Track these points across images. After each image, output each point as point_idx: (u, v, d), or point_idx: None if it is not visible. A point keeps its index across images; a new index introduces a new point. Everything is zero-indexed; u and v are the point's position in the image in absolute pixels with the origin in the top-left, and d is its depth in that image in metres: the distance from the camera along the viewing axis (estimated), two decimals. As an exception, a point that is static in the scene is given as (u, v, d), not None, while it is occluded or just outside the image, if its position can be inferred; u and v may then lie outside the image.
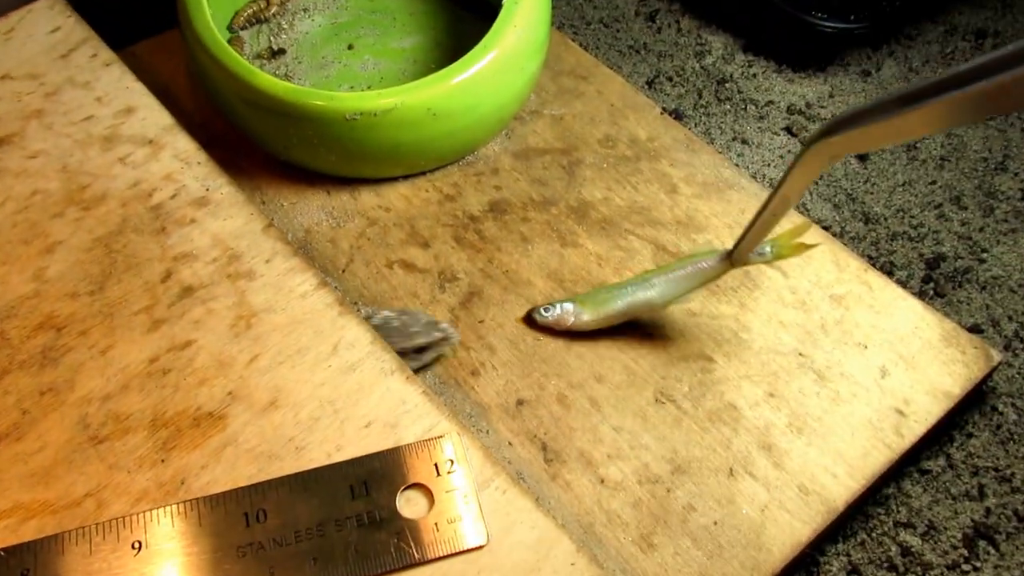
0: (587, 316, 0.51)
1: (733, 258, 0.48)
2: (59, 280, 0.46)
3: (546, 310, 0.51)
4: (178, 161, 0.51)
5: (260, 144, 0.58)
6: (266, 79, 0.52)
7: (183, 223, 0.48)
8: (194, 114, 0.62)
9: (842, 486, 0.46)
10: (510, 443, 0.48)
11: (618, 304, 0.50)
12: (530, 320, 0.52)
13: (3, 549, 0.38)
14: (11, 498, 0.39)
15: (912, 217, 0.62)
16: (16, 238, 0.48)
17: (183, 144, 0.52)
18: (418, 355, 0.49)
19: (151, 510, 0.39)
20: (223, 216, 0.49)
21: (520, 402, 0.49)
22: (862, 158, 0.65)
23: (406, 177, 0.58)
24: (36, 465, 0.41)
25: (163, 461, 0.41)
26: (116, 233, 0.48)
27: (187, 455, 0.41)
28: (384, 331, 0.48)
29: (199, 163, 0.51)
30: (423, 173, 0.58)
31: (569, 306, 0.51)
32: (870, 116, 0.34)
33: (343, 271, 0.54)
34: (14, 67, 0.55)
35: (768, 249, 0.48)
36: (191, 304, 0.46)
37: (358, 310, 0.49)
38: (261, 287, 0.46)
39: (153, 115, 0.53)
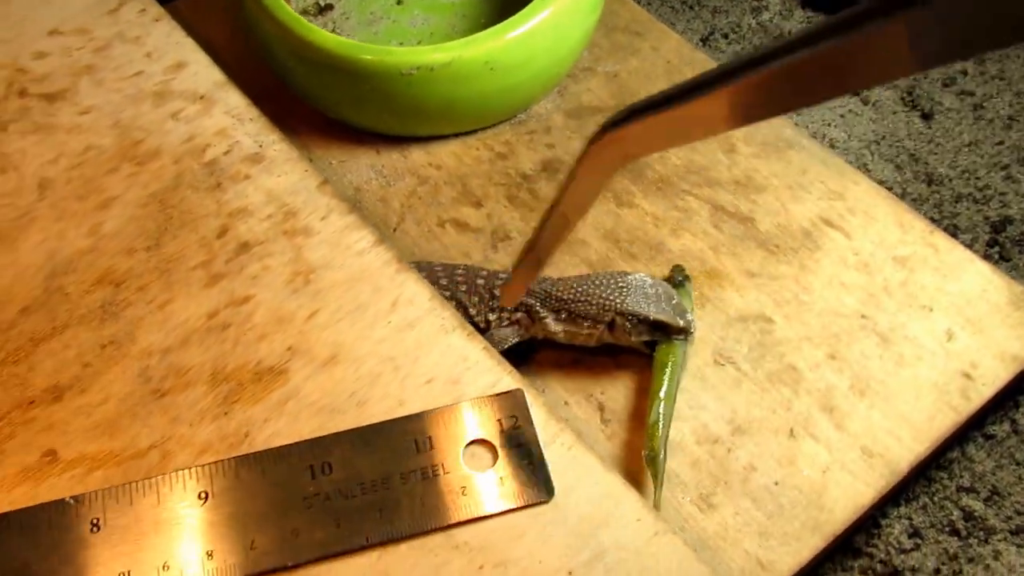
0: None
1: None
2: (115, 236, 0.48)
3: None
4: (230, 117, 0.53)
5: (310, 101, 0.59)
6: (321, 34, 0.54)
7: (237, 179, 0.50)
8: (238, 71, 0.63)
9: (906, 449, 0.48)
10: (566, 402, 0.49)
11: None
12: None
13: (72, 497, 0.40)
14: (77, 448, 0.42)
15: (978, 179, 0.63)
16: (71, 194, 0.50)
17: (235, 100, 0.53)
18: (647, 328, 0.48)
19: (216, 461, 0.41)
20: (277, 173, 0.50)
21: (576, 361, 0.50)
22: (926, 117, 0.66)
23: (457, 135, 0.59)
24: (100, 417, 0.43)
25: (226, 414, 0.42)
26: (171, 189, 0.50)
27: (250, 408, 0.43)
28: (636, 290, 0.48)
29: (251, 119, 0.53)
30: (474, 131, 0.59)
31: None
32: (660, 106, 0.27)
33: (394, 230, 0.56)
34: (62, 22, 0.56)
35: None
36: (248, 260, 0.47)
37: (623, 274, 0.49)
38: (318, 244, 0.48)
39: (204, 71, 0.55)
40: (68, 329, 0.45)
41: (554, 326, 0.49)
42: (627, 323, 0.48)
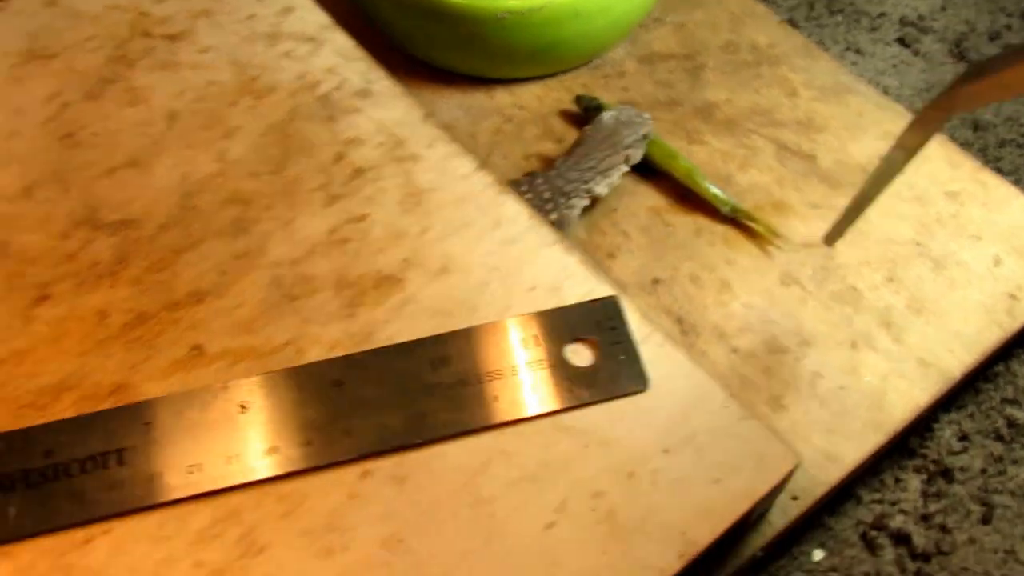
0: None
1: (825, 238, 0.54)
2: (241, 161, 0.53)
3: None
4: (338, 56, 0.57)
5: (401, 44, 0.64)
6: (417, -20, 0.58)
7: (349, 112, 0.55)
8: (332, 13, 0.68)
9: (958, 360, 0.52)
10: (647, 316, 0.54)
11: None
12: None
13: (221, 384, 0.45)
14: (220, 344, 0.47)
15: (1021, 125, 0.67)
16: (197, 124, 0.55)
17: (341, 41, 0.58)
18: (643, 143, 0.58)
19: (348, 355, 0.46)
20: (385, 106, 0.55)
21: (655, 281, 0.55)
22: (972, 68, 0.70)
23: (538, 78, 0.64)
24: (238, 318, 0.48)
25: (351, 316, 0.48)
26: (288, 120, 0.55)
27: (372, 311, 0.48)
28: (620, 125, 0.58)
29: (358, 58, 0.57)
30: (554, 74, 0.64)
31: None
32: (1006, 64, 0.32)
33: (483, 163, 0.61)
34: (178, -30, 0.61)
35: None
36: (363, 183, 0.52)
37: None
38: (425, 169, 0.53)
39: (311, 15, 0.59)
40: (204, 242, 0.50)
41: (601, 188, 0.58)
42: (633, 151, 0.58)
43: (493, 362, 0.46)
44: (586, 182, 0.57)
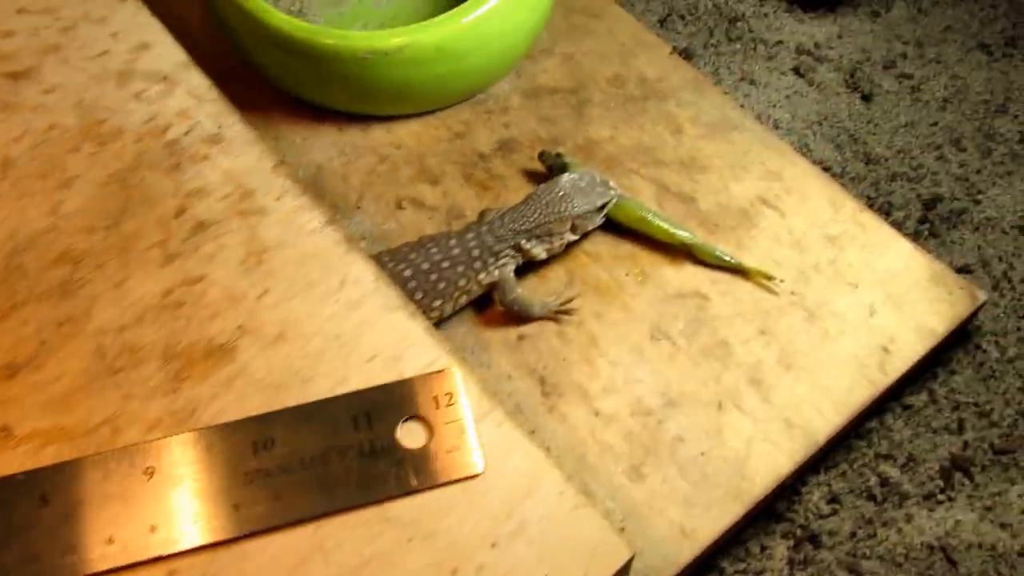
0: None
1: None
2: (76, 215, 0.45)
3: None
4: (192, 98, 0.49)
5: (272, 81, 0.55)
6: (279, 17, 0.50)
7: (196, 160, 0.47)
8: (207, 48, 0.59)
9: (826, 421, 0.45)
10: (510, 376, 0.46)
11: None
12: None
13: (23, 473, 0.37)
14: (30, 425, 0.39)
15: (912, 158, 0.59)
16: (33, 172, 0.46)
17: (197, 80, 0.49)
18: (598, 214, 0.50)
19: (164, 438, 0.38)
20: (235, 153, 0.47)
21: (521, 337, 0.48)
22: (866, 98, 0.62)
23: (418, 114, 0.56)
24: (54, 393, 0.40)
25: (175, 391, 0.40)
26: (131, 168, 0.46)
27: (198, 385, 0.40)
28: (574, 191, 0.49)
29: (212, 100, 0.49)
30: (433, 111, 0.56)
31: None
32: None
33: (357, 207, 0.52)
34: (31, 1, 0.52)
35: None
36: (204, 239, 0.44)
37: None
38: (272, 223, 0.45)
39: (168, 51, 0.51)
40: (27, 306, 0.42)
41: (537, 250, 0.49)
42: (584, 220, 0.49)
43: (319, 444, 0.38)
44: (519, 242, 0.49)
